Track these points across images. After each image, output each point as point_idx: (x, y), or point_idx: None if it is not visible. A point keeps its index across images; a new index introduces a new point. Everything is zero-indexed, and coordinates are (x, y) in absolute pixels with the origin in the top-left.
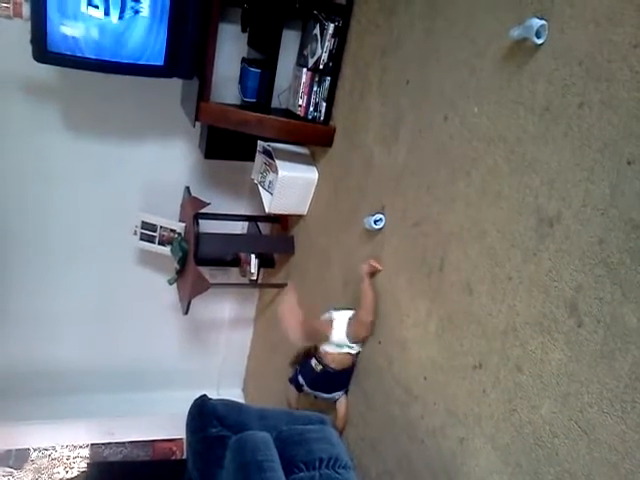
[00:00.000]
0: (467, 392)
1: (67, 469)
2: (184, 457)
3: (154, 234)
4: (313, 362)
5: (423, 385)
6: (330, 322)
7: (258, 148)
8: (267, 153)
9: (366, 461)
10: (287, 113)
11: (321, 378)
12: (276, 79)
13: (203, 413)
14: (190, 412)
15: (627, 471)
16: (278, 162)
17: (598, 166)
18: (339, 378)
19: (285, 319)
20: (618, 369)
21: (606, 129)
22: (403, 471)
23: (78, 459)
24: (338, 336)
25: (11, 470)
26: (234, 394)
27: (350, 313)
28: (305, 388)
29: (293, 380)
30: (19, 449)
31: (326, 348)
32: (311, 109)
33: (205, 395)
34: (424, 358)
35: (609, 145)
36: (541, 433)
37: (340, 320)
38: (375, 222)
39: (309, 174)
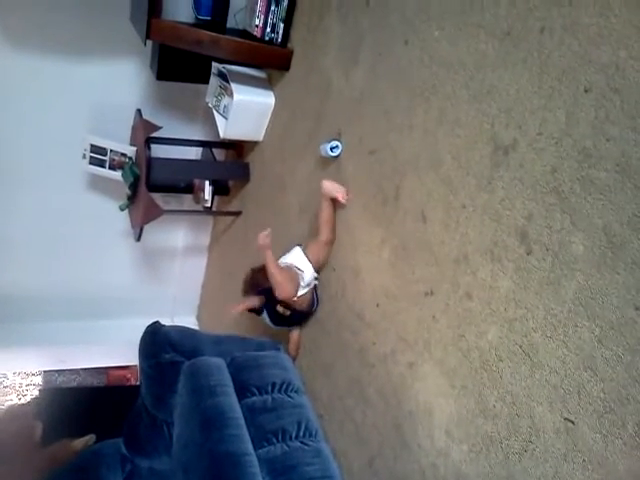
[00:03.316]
0: (417, 319)
1: (20, 396)
2: (138, 383)
3: (104, 158)
4: (280, 309)
5: (375, 312)
6: (296, 268)
7: (213, 70)
8: (222, 76)
9: (318, 386)
10: (243, 34)
11: (288, 318)
12: None
13: (156, 339)
14: (143, 338)
15: (565, 391)
16: (233, 85)
17: (555, 94)
18: (304, 314)
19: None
20: (563, 295)
21: (566, 55)
22: (353, 395)
23: (31, 386)
24: (309, 275)
25: None
26: (188, 322)
27: (299, 248)
28: (268, 322)
29: (257, 313)
30: None
31: (299, 294)
32: (268, 30)
33: (158, 322)
34: (377, 285)
35: (568, 72)
36: (487, 357)
37: (300, 259)
38: (331, 149)
39: (265, 99)
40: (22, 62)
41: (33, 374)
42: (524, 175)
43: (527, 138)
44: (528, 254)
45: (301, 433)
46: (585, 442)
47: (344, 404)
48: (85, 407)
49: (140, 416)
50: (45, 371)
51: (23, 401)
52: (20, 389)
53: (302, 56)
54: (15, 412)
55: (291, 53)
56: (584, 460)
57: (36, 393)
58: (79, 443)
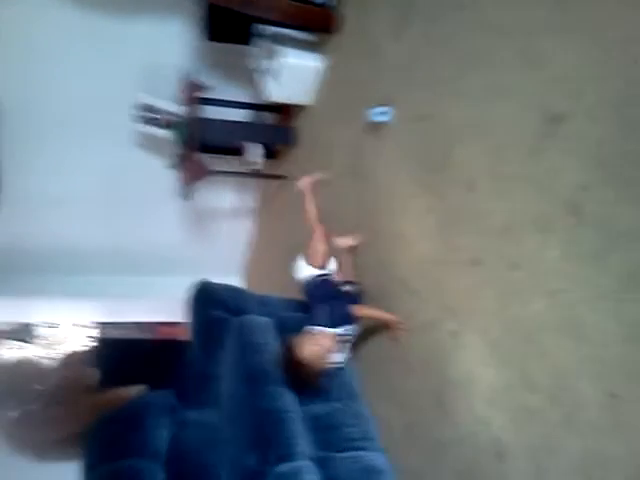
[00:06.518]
0: (462, 287)
1: (78, 346)
2: (187, 339)
3: (155, 117)
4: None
5: (419, 280)
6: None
7: (262, 32)
8: (272, 38)
9: (361, 350)
10: None
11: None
12: None
13: (206, 296)
14: (193, 295)
15: (610, 365)
16: (283, 48)
17: (611, 63)
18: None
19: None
20: (610, 268)
21: (622, 26)
22: (395, 361)
23: (89, 337)
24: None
25: (24, 343)
26: (233, 282)
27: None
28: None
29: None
30: (30, 324)
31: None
32: None
33: (207, 279)
34: (422, 253)
35: (627, 40)
36: (531, 329)
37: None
38: (381, 114)
39: (314, 62)
40: (81, 21)
41: (90, 326)
42: (575, 146)
43: (580, 108)
44: (576, 226)
45: (343, 395)
46: (629, 416)
47: (386, 370)
48: (137, 359)
49: (189, 370)
50: (100, 322)
51: (81, 350)
52: (79, 339)
53: (353, 20)
54: (74, 359)
55: (342, 17)
56: (627, 434)
57: (93, 343)
58: (131, 391)
